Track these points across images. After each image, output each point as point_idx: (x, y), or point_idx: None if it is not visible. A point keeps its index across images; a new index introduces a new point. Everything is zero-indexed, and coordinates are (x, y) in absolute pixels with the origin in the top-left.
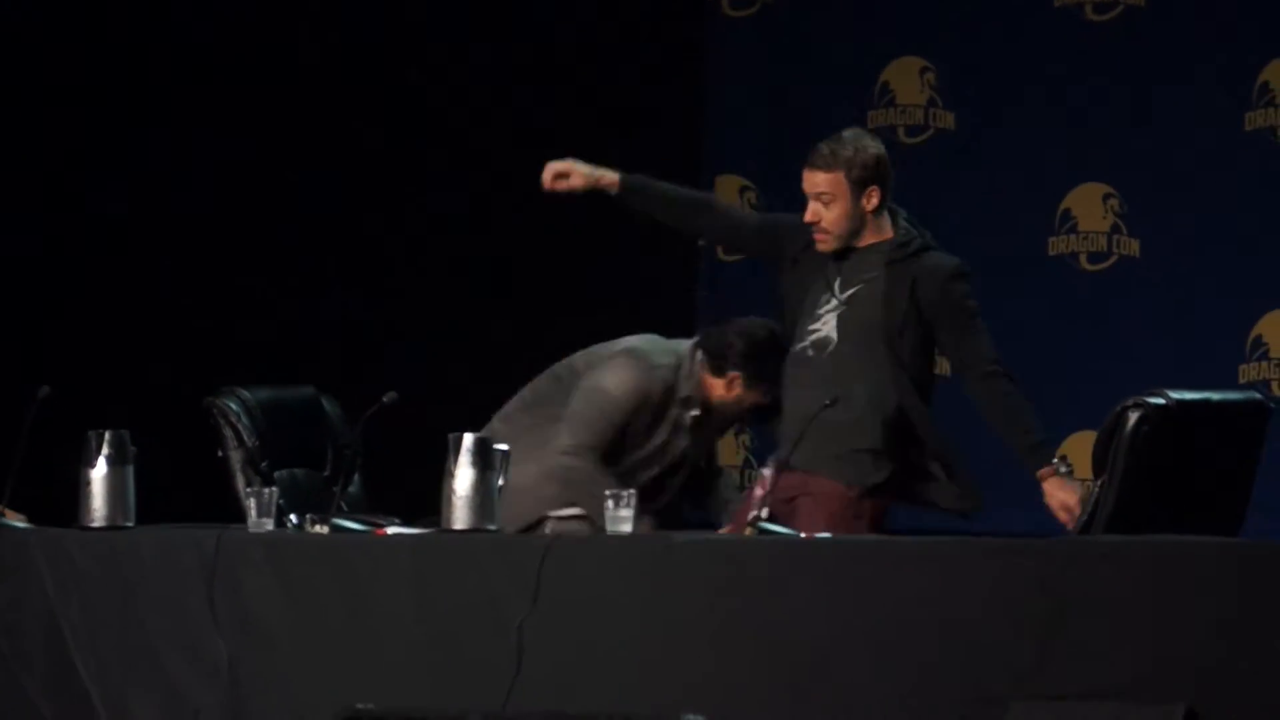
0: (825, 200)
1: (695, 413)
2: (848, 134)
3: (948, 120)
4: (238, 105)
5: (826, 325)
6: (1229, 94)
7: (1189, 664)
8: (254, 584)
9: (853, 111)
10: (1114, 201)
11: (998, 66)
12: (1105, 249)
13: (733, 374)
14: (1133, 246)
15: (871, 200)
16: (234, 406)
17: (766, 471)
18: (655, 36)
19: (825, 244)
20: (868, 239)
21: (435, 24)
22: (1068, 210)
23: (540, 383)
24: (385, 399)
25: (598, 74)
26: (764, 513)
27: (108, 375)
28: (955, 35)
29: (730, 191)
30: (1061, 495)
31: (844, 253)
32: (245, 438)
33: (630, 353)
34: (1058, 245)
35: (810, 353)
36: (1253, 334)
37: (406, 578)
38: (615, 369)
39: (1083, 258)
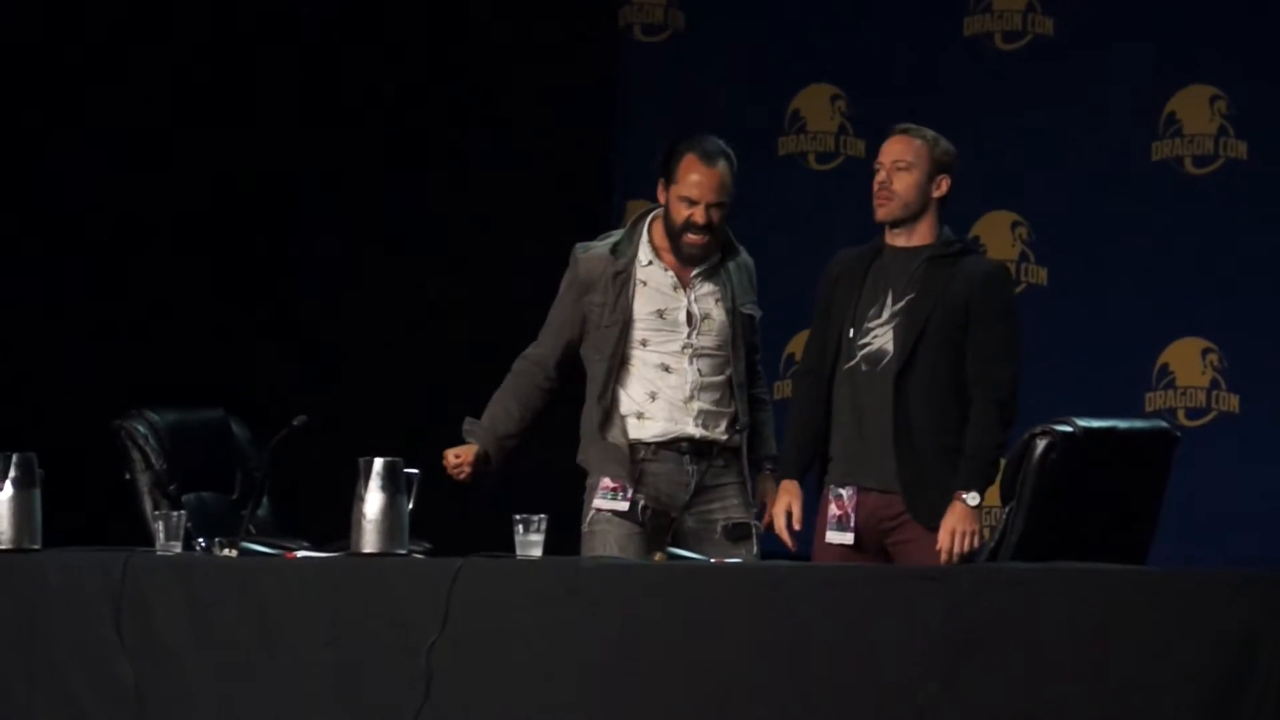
0: (902, 166)
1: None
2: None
3: (858, 148)
4: (141, 113)
5: (880, 338)
6: None
7: (1096, 691)
8: (161, 607)
9: (764, 137)
10: (1022, 230)
11: (906, 93)
12: (1015, 277)
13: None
14: (1040, 275)
15: (940, 188)
16: (141, 429)
17: (845, 492)
18: (566, 61)
19: (887, 209)
20: (920, 236)
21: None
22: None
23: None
24: (295, 422)
25: (508, 100)
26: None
27: (14, 397)
28: (869, 62)
29: None
30: (952, 520)
31: (892, 260)
32: (153, 460)
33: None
34: None
35: (864, 368)
36: (1159, 363)
37: (315, 601)
38: None
39: None
